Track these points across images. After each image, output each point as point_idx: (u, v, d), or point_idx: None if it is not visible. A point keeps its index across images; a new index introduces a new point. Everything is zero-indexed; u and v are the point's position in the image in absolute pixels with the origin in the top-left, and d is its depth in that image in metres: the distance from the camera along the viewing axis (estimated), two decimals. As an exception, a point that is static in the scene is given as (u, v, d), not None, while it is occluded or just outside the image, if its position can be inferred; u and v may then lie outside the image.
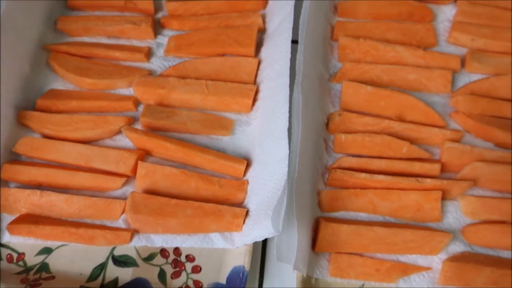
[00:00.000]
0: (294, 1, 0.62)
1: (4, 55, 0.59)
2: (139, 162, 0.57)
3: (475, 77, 0.64)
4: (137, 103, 0.63)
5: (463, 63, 0.65)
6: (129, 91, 0.64)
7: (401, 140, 0.59)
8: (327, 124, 0.61)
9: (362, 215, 0.57)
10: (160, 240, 0.55)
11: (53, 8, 0.69)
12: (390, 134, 0.59)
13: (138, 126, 0.61)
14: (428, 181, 0.56)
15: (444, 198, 0.57)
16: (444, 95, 0.63)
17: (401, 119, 0.61)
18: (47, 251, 0.55)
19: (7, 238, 0.55)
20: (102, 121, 0.60)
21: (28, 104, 0.62)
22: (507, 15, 0.66)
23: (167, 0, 0.69)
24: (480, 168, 0.57)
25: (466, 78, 0.64)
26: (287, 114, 0.54)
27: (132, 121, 0.61)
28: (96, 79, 0.63)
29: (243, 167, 0.57)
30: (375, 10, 0.68)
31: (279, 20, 0.64)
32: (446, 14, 0.69)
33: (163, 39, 0.67)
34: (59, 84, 0.65)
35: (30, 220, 0.55)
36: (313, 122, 0.59)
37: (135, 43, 0.67)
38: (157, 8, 0.69)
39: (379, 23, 0.67)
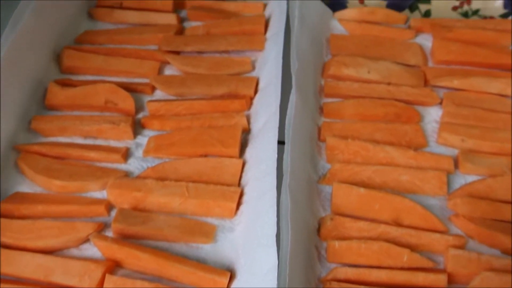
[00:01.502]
0: (279, 102, 0.61)
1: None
2: (106, 275, 0.50)
3: (470, 178, 0.61)
4: (110, 207, 0.57)
5: (456, 164, 0.63)
6: (102, 194, 0.59)
7: (401, 247, 0.53)
8: (318, 230, 0.56)
9: (364, 337, 0.49)
10: None
11: (29, 107, 0.66)
12: (388, 240, 0.54)
13: (110, 233, 0.55)
14: (436, 294, 0.50)
15: (455, 314, 0.50)
16: (440, 198, 0.60)
17: (398, 224, 0.56)
18: None
19: None
20: (69, 227, 0.54)
21: (-12, 209, 0.57)
22: (494, 117, 0.66)
23: (149, 100, 0.68)
24: (491, 279, 0.51)
25: (461, 179, 0.61)
26: (275, 219, 0.50)
27: (103, 227, 0.55)
28: (67, 181, 0.58)
29: (225, 280, 0.51)
30: (361, 111, 0.67)
31: (264, 120, 0.62)
32: (432, 115, 0.68)
33: (143, 139, 0.64)
34: (26, 187, 0.59)
35: None
36: (304, 227, 0.54)
37: (113, 143, 0.64)
38: (138, 109, 0.67)
39: (366, 123, 0.66)
